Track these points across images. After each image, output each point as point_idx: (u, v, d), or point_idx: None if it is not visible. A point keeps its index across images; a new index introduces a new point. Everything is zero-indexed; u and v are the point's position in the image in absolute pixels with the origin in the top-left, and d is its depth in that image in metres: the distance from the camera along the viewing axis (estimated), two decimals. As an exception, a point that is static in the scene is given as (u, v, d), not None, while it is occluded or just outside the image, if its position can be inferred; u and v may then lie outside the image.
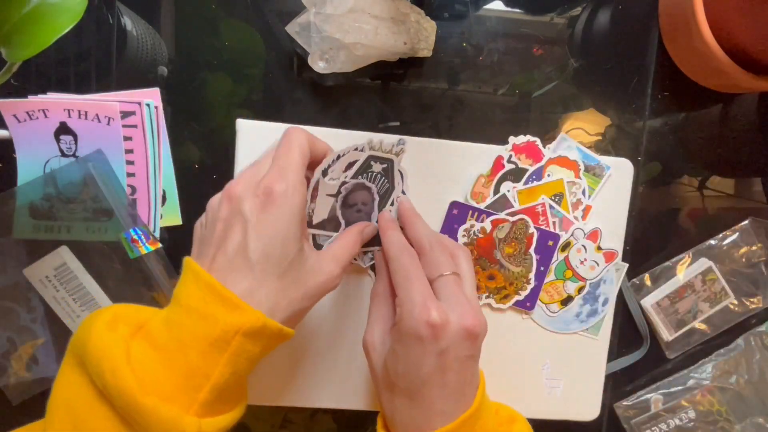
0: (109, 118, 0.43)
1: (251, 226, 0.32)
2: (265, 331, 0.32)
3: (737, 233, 0.50)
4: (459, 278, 0.38)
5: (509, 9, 0.48)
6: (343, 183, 0.39)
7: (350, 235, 0.39)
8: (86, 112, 0.42)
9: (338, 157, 0.38)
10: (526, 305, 0.47)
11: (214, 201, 0.36)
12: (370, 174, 0.41)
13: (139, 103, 0.43)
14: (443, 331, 0.34)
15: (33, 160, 0.43)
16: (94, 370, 0.29)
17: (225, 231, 0.33)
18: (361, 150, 0.39)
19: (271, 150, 0.37)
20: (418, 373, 0.34)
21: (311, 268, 0.35)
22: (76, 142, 0.43)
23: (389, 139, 0.40)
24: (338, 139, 0.45)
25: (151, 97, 0.44)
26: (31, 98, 0.42)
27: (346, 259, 0.37)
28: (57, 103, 0.42)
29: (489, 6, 0.47)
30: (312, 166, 0.38)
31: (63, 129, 0.43)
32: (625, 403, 0.50)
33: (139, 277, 0.45)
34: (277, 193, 0.33)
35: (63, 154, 0.43)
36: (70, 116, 0.42)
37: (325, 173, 0.38)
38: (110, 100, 0.43)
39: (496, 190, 0.46)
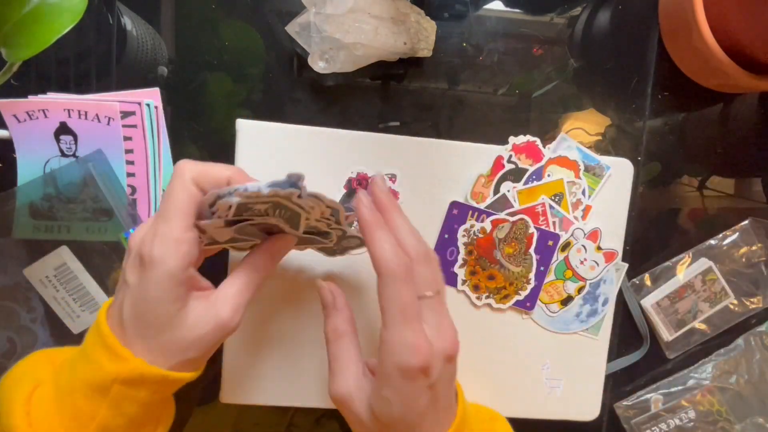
0: (109, 118, 0.43)
1: (129, 291, 0.32)
2: (146, 379, 0.32)
3: (737, 233, 0.50)
4: (440, 296, 0.35)
5: (509, 9, 0.48)
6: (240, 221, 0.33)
7: (251, 261, 0.35)
8: (86, 112, 0.42)
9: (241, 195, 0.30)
10: (526, 305, 0.47)
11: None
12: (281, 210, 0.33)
13: (139, 103, 0.43)
14: (433, 365, 0.32)
15: (33, 160, 0.43)
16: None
17: (118, 287, 0.34)
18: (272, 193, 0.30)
19: (176, 189, 0.33)
20: (414, 411, 0.33)
21: (194, 324, 0.32)
22: (76, 142, 0.43)
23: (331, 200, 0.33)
24: (339, 139, 0.45)
25: (151, 97, 0.44)
26: (31, 98, 0.42)
27: (239, 297, 0.34)
28: (57, 103, 0.42)
29: (489, 6, 0.47)
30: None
31: (63, 129, 0.43)
32: (625, 403, 0.51)
33: (139, 277, 0.45)
34: (151, 258, 0.31)
35: (63, 154, 0.43)
36: (70, 116, 0.42)
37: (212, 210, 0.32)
38: (110, 100, 0.43)
39: (496, 190, 0.46)
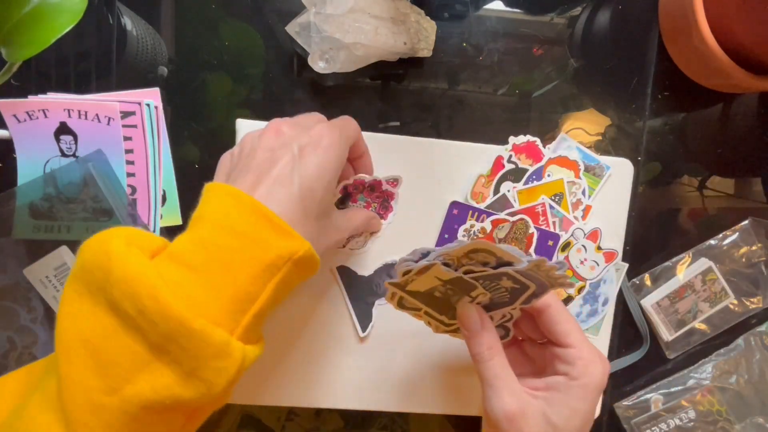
0: (109, 118, 0.43)
1: (300, 161, 0.32)
2: (310, 261, 0.32)
3: (737, 233, 0.50)
4: None
5: (509, 9, 0.48)
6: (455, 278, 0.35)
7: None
8: (86, 112, 0.42)
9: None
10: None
11: (253, 134, 0.35)
12: (491, 283, 0.35)
13: (139, 103, 0.43)
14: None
15: (33, 160, 0.43)
16: (124, 295, 0.27)
17: (270, 161, 0.33)
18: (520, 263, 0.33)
19: (312, 115, 0.38)
20: (591, 421, 0.35)
21: (334, 222, 0.37)
22: (76, 142, 0.43)
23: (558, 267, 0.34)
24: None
25: (151, 97, 0.44)
26: (31, 98, 0.42)
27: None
28: (57, 103, 0.42)
29: (489, 6, 0.47)
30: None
31: (63, 129, 0.43)
32: (625, 403, 0.50)
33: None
34: (327, 142, 0.34)
35: (63, 154, 0.43)
36: (70, 116, 0.42)
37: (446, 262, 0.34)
38: (110, 100, 0.43)
39: (496, 190, 0.46)
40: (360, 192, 0.44)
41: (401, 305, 0.38)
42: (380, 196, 0.44)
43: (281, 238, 0.30)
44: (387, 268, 0.46)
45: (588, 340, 0.36)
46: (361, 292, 0.46)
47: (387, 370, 0.47)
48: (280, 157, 0.33)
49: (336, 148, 0.34)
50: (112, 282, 0.27)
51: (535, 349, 0.40)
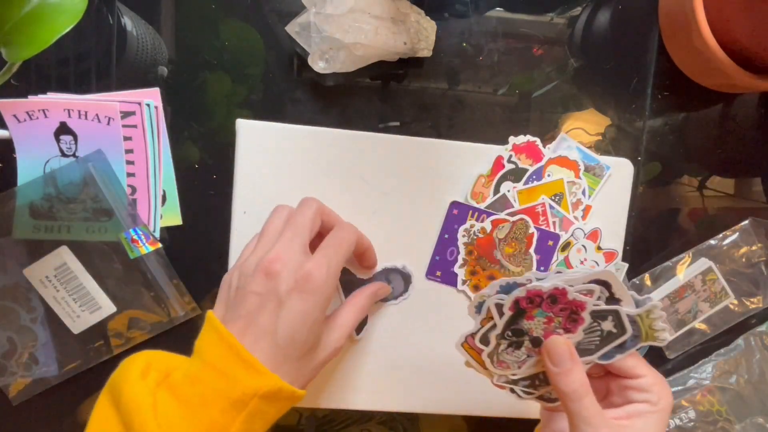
0: (109, 118, 0.43)
1: (285, 310, 0.35)
2: (280, 394, 0.34)
3: (737, 233, 0.50)
4: None
5: (509, 9, 0.48)
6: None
7: (360, 299, 0.42)
8: (86, 112, 0.42)
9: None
10: (526, 305, 0.47)
11: (248, 267, 0.37)
12: (593, 321, 0.35)
13: (139, 103, 0.43)
14: None
15: (33, 160, 0.43)
16: (125, 418, 0.32)
17: (258, 308, 0.35)
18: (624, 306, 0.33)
19: (311, 216, 0.39)
20: None
21: (324, 345, 0.38)
22: (76, 142, 0.43)
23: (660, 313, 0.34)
24: (339, 139, 0.45)
25: (151, 97, 0.44)
26: (31, 98, 0.42)
27: (352, 326, 0.40)
28: (57, 103, 0.42)
29: (489, 6, 0.47)
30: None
31: (63, 129, 0.43)
32: (625, 403, 0.50)
33: (139, 277, 0.45)
34: (317, 281, 0.35)
35: (63, 154, 0.43)
36: (70, 116, 0.42)
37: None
38: (110, 100, 0.43)
39: (496, 190, 0.46)
40: (537, 306, 0.34)
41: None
42: (566, 308, 0.34)
43: (249, 376, 0.33)
44: (386, 272, 0.46)
45: (651, 366, 0.37)
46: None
47: (386, 369, 0.47)
48: (266, 304, 0.35)
49: (323, 288, 0.36)
50: (121, 405, 0.32)
51: (593, 383, 0.39)
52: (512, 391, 0.38)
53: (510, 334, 0.35)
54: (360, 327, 0.44)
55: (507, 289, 0.34)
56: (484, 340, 0.35)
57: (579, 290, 0.33)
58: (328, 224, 0.40)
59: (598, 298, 0.34)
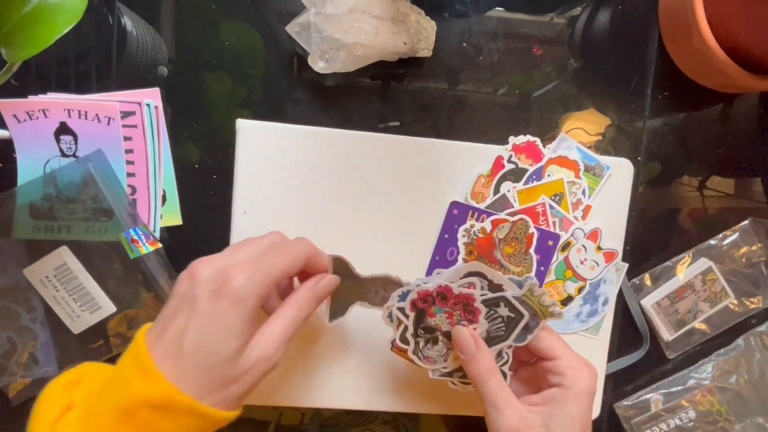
0: (109, 118, 0.43)
1: (197, 315, 0.31)
2: (175, 407, 0.30)
3: (737, 233, 0.50)
4: None
5: (509, 9, 0.48)
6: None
7: (292, 303, 0.36)
8: (86, 112, 0.42)
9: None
10: (526, 305, 0.47)
11: (183, 273, 0.34)
12: (490, 310, 0.38)
13: (139, 103, 0.43)
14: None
15: (33, 160, 0.43)
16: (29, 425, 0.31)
17: (174, 311, 0.32)
18: (512, 289, 0.37)
19: (272, 234, 0.37)
20: (589, 427, 0.37)
21: (245, 357, 0.33)
22: (76, 142, 0.43)
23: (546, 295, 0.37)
24: (338, 139, 0.45)
25: (151, 97, 0.44)
26: (31, 98, 0.42)
27: (283, 334, 0.34)
28: (57, 103, 0.42)
29: (489, 6, 0.47)
30: (304, 276, 0.38)
31: (63, 129, 0.43)
32: (625, 403, 0.50)
33: (139, 277, 0.45)
34: (235, 286, 0.32)
35: (63, 154, 0.43)
36: (70, 116, 0.42)
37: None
38: (110, 100, 0.43)
39: (496, 190, 0.46)
40: (432, 305, 0.38)
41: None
42: (458, 302, 0.38)
43: (143, 382, 0.30)
44: (383, 280, 0.44)
45: (573, 350, 0.38)
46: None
47: (385, 369, 0.47)
48: (182, 307, 0.32)
49: (241, 294, 0.32)
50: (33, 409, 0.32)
51: (528, 370, 0.41)
52: (452, 383, 0.41)
53: (422, 332, 0.39)
54: (336, 314, 0.40)
55: (404, 297, 0.38)
56: (404, 341, 0.39)
57: (461, 285, 0.37)
58: (314, 268, 0.37)
59: (483, 288, 0.37)
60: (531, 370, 0.41)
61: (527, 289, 0.36)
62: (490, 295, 0.37)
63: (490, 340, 0.38)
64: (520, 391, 0.40)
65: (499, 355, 0.39)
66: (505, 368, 0.39)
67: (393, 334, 0.39)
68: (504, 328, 0.38)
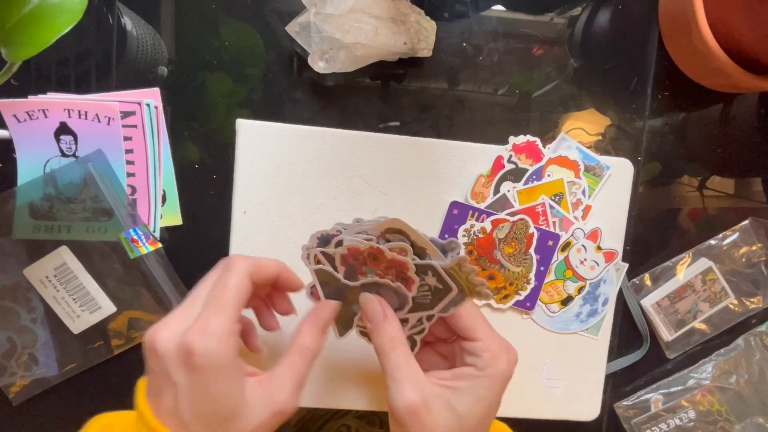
0: (109, 118, 0.43)
1: (181, 390, 0.31)
2: None
3: (737, 233, 0.50)
4: None
5: (509, 9, 0.48)
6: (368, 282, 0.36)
7: (296, 353, 0.35)
8: (86, 112, 0.42)
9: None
10: (526, 305, 0.47)
11: (146, 342, 0.32)
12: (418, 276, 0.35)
13: (140, 103, 0.43)
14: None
15: (33, 160, 0.43)
16: None
17: (159, 386, 0.32)
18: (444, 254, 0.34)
19: (209, 280, 0.35)
20: (496, 410, 0.36)
21: (253, 411, 0.32)
22: (76, 142, 0.43)
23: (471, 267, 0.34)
24: (338, 139, 0.45)
25: (151, 97, 0.44)
26: (31, 98, 0.42)
27: (294, 382, 0.34)
28: (57, 103, 0.42)
29: (489, 6, 0.47)
30: (259, 291, 0.37)
31: (63, 129, 0.43)
32: (625, 403, 0.50)
33: (139, 277, 0.45)
34: (199, 354, 0.30)
35: (63, 154, 0.43)
36: (70, 116, 0.42)
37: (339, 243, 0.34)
38: (110, 100, 0.43)
39: (496, 190, 0.46)
40: (363, 264, 0.36)
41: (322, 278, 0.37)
42: (390, 266, 0.35)
43: None
44: (374, 284, 0.44)
45: (496, 333, 0.36)
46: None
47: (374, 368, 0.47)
48: (163, 385, 0.31)
49: (213, 348, 0.30)
50: None
51: (445, 347, 0.39)
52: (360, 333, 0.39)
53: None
54: (344, 327, 0.40)
55: (324, 242, 0.36)
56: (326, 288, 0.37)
57: (392, 248, 0.33)
58: (269, 278, 0.36)
59: (411, 254, 0.34)
60: (449, 348, 0.39)
61: (456, 263, 0.33)
62: (419, 261, 0.34)
63: (416, 306, 0.36)
64: (433, 363, 0.39)
65: (418, 322, 0.37)
66: (418, 338, 0.38)
67: (311, 279, 0.37)
68: (430, 297, 0.35)
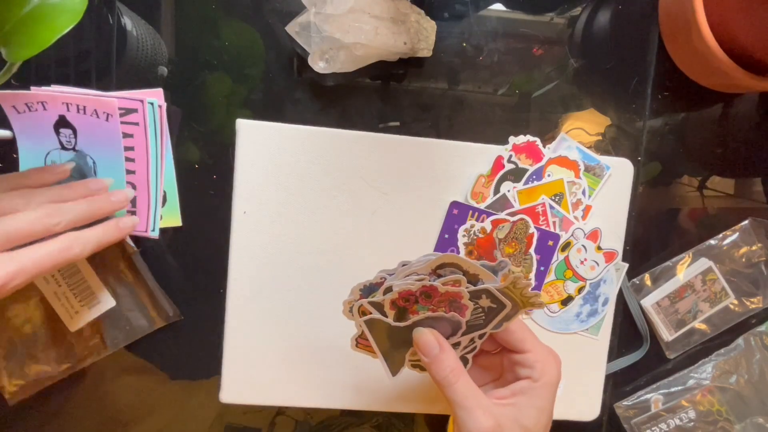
0: (108, 114, 0.42)
1: None
2: None
3: (737, 233, 0.50)
4: None
5: (509, 9, 0.48)
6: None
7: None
8: (84, 107, 0.42)
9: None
10: (526, 305, 0.47)
11: None
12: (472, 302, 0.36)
13: (142, 101, 0.43)
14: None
15: (34, 152, 0.43)
16: None
17: None
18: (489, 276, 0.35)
19: None
20: (552, 414, 0.37)
21: None
22: (75, 136, 0.43)
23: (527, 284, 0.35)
24: (339, 139, 0.45)
25: (156, 97, 0.44)
26: (33, 89, 0.42)
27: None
28: (55, 96, 0.41)
29: (489, 6, 0.47)
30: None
31: (62, 122, 0.43)
32: (625, 403, 0.50)
33: (133, 276, 0.45)
34: None
35: (63, 147, 0.43)
36: (68, 110, 0.42)
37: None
38: (111, 97, 0.43)
39: (496, 190, 0.46)
40: (414, 303, 0.36)
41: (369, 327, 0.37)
42: (443, 299, 0.35)
43: None
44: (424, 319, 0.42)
45: (540, 342, 0.38)
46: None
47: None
48: None
49: None
50: None
51: (489, 359, 0.40)
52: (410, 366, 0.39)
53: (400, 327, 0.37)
54: (397, 367, 0.39)
55: (368, 292, 0.36)
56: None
57: (446, 282, 0.34)
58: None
59: (465, 283, 0.35)
60: (493, 360, 0.40)
61: (511, 282, 0.34)
62: (473, 288, 0.35)
63: (469, 328, 0.37)
64: (479, 378, 0.39)
65: (470, 341, 0.38)
66: (470, 356, 0.38)
67: (356, 331, 0.37)
68: (483, 318, 0.37)
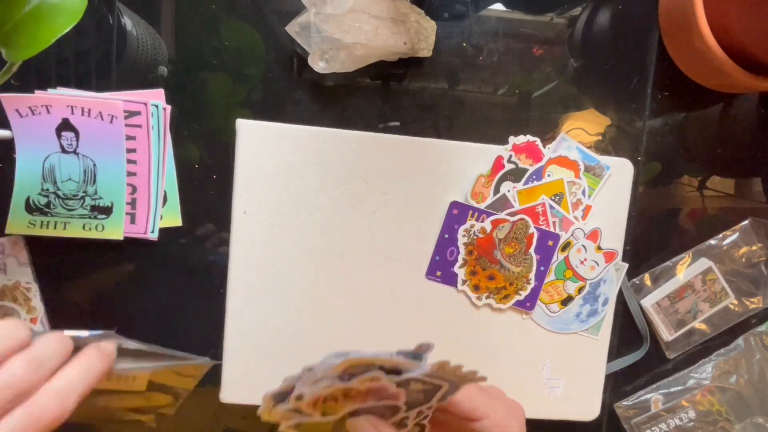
0: (113, 116, 0.42)
1: None
2: None
3: (737, 233, 0.50)
4: None
5: (509, 9, 0.48)
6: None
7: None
8: (89, 110, 0.42)
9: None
10: (526, 305, 0.47)
11: None
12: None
13: (145, 104, 0.43)
14: None
15: (33, 156, 0.43)
16: None
17: None
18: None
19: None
20: None
21: None
22: (77, 139, 0.43)
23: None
24: (339, 139, 0.45)
25: (156, 97, 0.44)
26: (38, 93, 0.42)
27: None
28: (61, 99, 0.42)
29: (489, 6, 0.47)
30: None
31: (65, 125, 0.43)
32: (625, 403, 0.50)
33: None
34: None
35: (64, 150, 0.43)
36: (73, 113, 0.42)
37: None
38: (114, 99, 0.43)
39: (496, 190, 0.46)
40: (335, 401, 0.32)
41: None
42: (368, 393, 0.31)
43: None
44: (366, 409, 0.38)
45: (497, 400, 0.36)
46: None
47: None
48: None
49: None
50: None
51: (444, 415, 0.38)
52: None
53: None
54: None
55: (281, 398, 0.31)
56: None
57: (363, 380, 0.29)
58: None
59: (389, 372, 0.30)
60: (446, 415, 0.37)
61: (437, 368, 0.30)
62: (397, 378, 0.30)
63: (411, 405, 0.33)
64: None
65: (419, 413, 0.35)
66: (425, 421, 0.36)
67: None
68: (423, 396, 0.33)
